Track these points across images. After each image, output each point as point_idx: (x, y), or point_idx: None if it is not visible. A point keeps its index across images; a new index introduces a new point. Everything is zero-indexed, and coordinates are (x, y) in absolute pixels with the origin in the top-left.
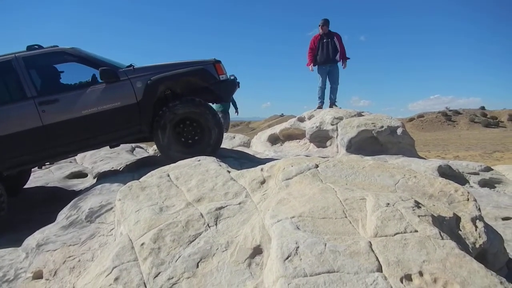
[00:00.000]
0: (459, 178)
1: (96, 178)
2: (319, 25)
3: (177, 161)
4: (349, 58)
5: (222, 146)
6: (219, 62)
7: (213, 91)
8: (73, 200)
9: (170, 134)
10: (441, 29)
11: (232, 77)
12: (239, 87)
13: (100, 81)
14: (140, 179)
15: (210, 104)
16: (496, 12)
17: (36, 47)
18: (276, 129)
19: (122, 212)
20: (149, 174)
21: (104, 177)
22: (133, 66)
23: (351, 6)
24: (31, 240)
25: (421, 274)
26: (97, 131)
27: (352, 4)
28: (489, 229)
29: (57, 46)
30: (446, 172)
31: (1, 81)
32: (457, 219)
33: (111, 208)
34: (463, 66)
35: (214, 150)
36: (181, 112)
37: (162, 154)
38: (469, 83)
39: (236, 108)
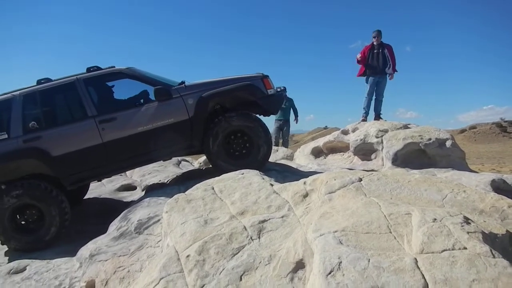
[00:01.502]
0: None
1: (144, 191)
2: (373, 36)
3: (223, 172)
4: (397, 71)
5: None
6: (267, 77)
7: (261, 105)
8: (123, 212)
9: (220, 143)
10: (493, 37)
11: (279, 90)
12: (286, 98)
13: (153, 99)
14: (186, 192)
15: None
16: None
17: (95, 68)
18: (320, 142)
19: (169, 224)
20: (194, 187)
21: (152, 190)
22: (185, 83)
23: (395, 17)
24: (85, 251)
25: None
26: (151, 146)
27: (396, 14)
28: None
29: (114, 67)
30: (501, 187)
31: (65, 102)
32: (510, 236)
33: (159, 220)
34: None
35: (261, 165)
36: (236, 124)
37: (210, 162)
38: None
39: (296, 116)
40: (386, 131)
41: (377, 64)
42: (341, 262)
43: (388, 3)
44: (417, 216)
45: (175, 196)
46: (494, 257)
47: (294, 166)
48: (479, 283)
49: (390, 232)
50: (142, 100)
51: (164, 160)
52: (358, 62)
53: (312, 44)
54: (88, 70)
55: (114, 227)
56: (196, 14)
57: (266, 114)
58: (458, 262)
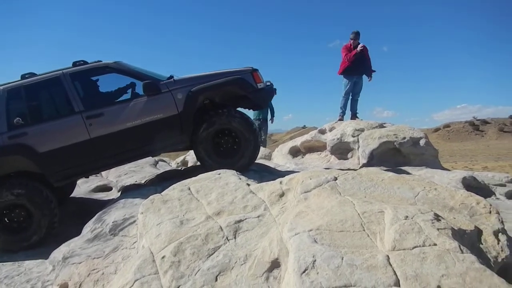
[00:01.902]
0: (485, 190)
1: (120, 192)
2: (351, 38)
3: (207, 171)
4: (375, 71)
5: None
6: (256, 70)
7: (251, 99)
8: (98, 214)
9: (208, 141)
10: (467, 37)
11: (268, 83)
12: (275, 93)
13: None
14: (162, 193)
15: (248, 111)
16: None
17: (82, 62)
18: (297, 141)
19: (144, 225)
20: (170, 187)
21: (127, 190)
22: (173, 77)
23: (373, 16)
24: (58, 253)
25: None
26: (140, 142)
27: (373, 14)
28: None
29: (101, 61)
30: (471, 184)
31: (50, 97)
32: (478, 232)
33: (134, 221)
34: (491, 74)
35: (248, 164)
36: (223, 122)
37: (197, 159)
38: (498, 91)
39: (272, 116)
40: (362, 130)
41: (356, 65)
42: (315, 261)
43: (367, 1)
44: (390, 214)
45: (151, 197)
46: (462, 252)
47: (271, 165)
48: (448, 278)
49: (364, 230)
50: (130, 95)
51: (153, 156)
52: (348, 58)
53: (290, 42)
54: (74, 64)
55: (88, 229)
56: (169, 12)
57: (256, 108)
58: (428, 258)
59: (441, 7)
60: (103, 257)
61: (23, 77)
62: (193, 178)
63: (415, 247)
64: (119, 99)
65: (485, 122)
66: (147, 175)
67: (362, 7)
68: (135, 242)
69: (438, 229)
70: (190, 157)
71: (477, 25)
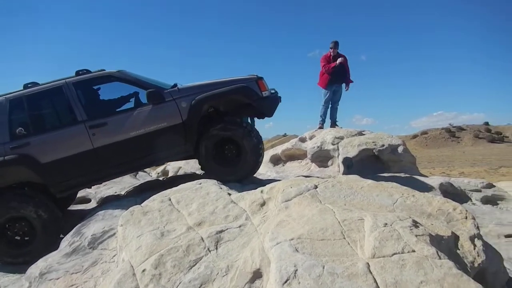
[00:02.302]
0: (461, 196)
1: (99, 204)
2: (330, 47)
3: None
4: (352, 81)
5: None
6: (261, 78)
7: (256, 107)
8: (76, 227)
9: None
10: (442, 45)
11: (273, 92)
12: (280, 101)
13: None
14: (142, 204)
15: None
16: (499, 25)
17: (85, 71)
18: (278, 149)
19: (124, 237)
20: (151, 198)
21: (107, 202)
22: (177, 85)
23: (351, 26)
24: (34, 269)
25: None
26: (144, 151)
27: (351, 23)
28: (488, 248)
29: (104, 70)
30: (448, 190)
31: (53, 107)
32: (455, 238)
33: (114, 234)
34: (466, 82)
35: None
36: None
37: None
38: (472, 98)
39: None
40: (341, 138)
41: (335, 74)
42: (296, 270)
43: (345, 11)
44: (369, 221)
45: (131, 209)
46: (440, 258)
47: None
48: (426, 285)
49: (344, 238)
50: (133, 104)
51: (157, 165)
52: (327, 70)
53: (269, 50)
54: (77, 73)
55: (66, 242)
56: (144, 19)
57: (261, 116)
58: (407, 265)
59: (418, 16)
60: (81, 271)
61: (25, 86)
62: (174, 189)
63: (394, 254)
64: (122, 108)
65: (461, 128)
66: (127, 186)
67: (341, 17)
68: (115, 255)
69: (416, 236)
70: (171, 167)
71: (453, 34)
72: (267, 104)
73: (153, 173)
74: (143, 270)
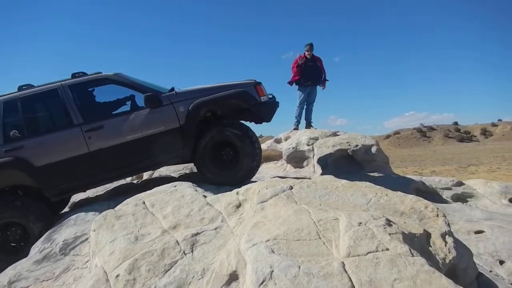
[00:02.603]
0: (433, 194)
1: (71, 208)
2: (306, 49)
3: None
4: (328, 80)
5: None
6: (259, 83)
7: (254, 112)
8: (46, 232)
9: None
10: (412, 45)
11: (271, 96)
12: (278, 106)
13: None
14: (115, 208)
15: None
16: (467, 27)
17: (81, 74)
18: None
19: (97, 243)
20: (124, 202)
21: (79, 206)
22: (175, 89)
23: (325, 28)
24: (3, 277)
25: None
26: (141, 156)
27: (325, 25)
28: (458, 244)
29: (101, 73)
30: (420, 188)
31: (48, 109)
32: (427, 235)
33: (86, 239)
34: (436, 82)
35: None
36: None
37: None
38: (442, 99)
39: None
40: (316, 138)
41: (310, 76)
42: (273, 271)
43: (319, 13)
44: (344, 220)
45: (104, 213)
46: (413, 256)
47: None
48: (400, 282)
49: (320, 238)
50: (130, 108)
51: (153, 170)
52: (297, 67)
53: (244, 52)
54: (73, 76)
55: (36, 249)
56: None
57: (259, 121)
58: (381, 263)
59: (388, 18)
60: (53, 279)
61: (20, 88)
62: (148, 192)
63: (368, 252)
64: (119, 112)
65: (431, 128)
66: (100, 189)
67: (315, 19)
68: (87, 261)
69: (390, 234)
70: None
71: (422, 36)
72: (265, 109)
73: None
74: (117, 276)
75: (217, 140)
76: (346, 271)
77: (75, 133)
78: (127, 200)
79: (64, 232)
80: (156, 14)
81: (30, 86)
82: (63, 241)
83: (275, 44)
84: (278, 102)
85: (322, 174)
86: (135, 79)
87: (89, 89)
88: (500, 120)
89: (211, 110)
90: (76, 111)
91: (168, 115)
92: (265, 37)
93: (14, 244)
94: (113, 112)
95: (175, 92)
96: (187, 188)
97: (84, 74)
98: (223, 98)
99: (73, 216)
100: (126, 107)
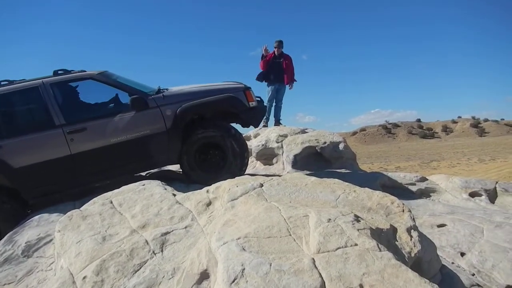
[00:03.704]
0: (398, 189)
1: (33, 208)
2: (275, 46)
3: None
4: (296, 81)
5: (169, 168)
6: (249, 88)
7: (242, 118)
8: (7, 234)
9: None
10: (376, 41)
11: (258, 99)
12: (266, 111)
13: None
14: (81, 208)
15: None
16: (427, 28)
17: (63, 71)
18: None
19: (62, 244)
20: (91, 201)
21: (43, 207)
22: (162, 90)
23: (292, 25)
24: None
25: (361, 287)
26: (126, 159)
27: (293, 23)
28: (423, 238)
29: (85, 71)
30: (386, 184)
31: (28, 108)
32: (394, 230)
33: (51, 240)
34: (399, 79)
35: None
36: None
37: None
38: (406, 96)
39: None
40: (285, 136)
41: (278, 73)
42: (244, 269)
43: (287, 9)
44: (314, 217)
45: (69, 213)
46: (380, 250)
47: None
48: (368, 276)
49: (290, 235)
50: (115, 109)
51: (137, 174)
52: (262, 59)
53: (211, 49)
54: (55, 73)
55: None
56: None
57: (247, 126)
58: (350, 258)
59: (355, 13)
60: (15, 282)
61: None
62: (116, 191)
63: (338, 248)
64: (103, 113)
65: (396, 125)
66: None
67: (283, 15)
68: (52, 263)
69: (358, 230)
70: None
71: (386, 32)
72: (254, 115)
73: None
74: (84, 277)
75: (204, 142)
76: (316, 267)
77: (57, 134)
78: (94, 199)
79: (26, 234)
80: (124, 10)
81: (9, 82)
82: (25, 243)
83: (243, 41)
84: (266, 107)
85: (291, 171)
86: (121, 78)
87: (72, 88)
88: (460, 117)
89: (199, 114)
90: (58, 111)
91: (154, 118)
92: (232, 33)
93: None
94: (97, 114)
95: (162, 95)
96: (156, 186)
97: (67, 71)
98: (211, 103)
99: (36, 217)
100: (111, 109)
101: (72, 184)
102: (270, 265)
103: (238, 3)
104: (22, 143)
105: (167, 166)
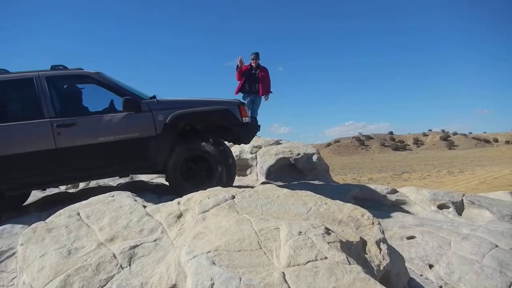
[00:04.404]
0: (369, 201)
1: None
2: (252, 58)
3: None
4: (272, 92)
5: (141, 177)
6: (243, 104)
7: (234, 132)
8: None
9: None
10: (350, 54)
11: (253, 119)
12: (259, 130)
13: (120, 109)
14: (47, 220)
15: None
16: (402, 40)
17: (61, 67)
18: None
19: (25, 258)
20: (57, 213)
21: (5, 218)
22: (156, 98)
23: (268, 36)
24: None
25: None
26: (111, 160)
27: (269, 34)
28: (392, 251)
29: (82, 69)
30: (358, 196)
31: (20, 97)
32: (363, 243)
33: (13, 254)
34: (372, 91)
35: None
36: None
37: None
38: (378, 108)
39: None
40: (259, 147)
41: (253, 84)
42: (213, 284)
43: (264, 21)
44: (285, 230)
45: (33, 225)
46: (350, 264)
47: None
48: None
49: (261, 248)
50: (107, 109)
51: (120, 177)
52: (237, 71)
53: (186, 58)
54: (53, 68)
55: None
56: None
57: (238, 142)
58: (320, 272)
59: (331, 25)
60: None
61: None
62: (84, 202)
63: (308, 261)
64: (94, 111)
65: (369, 137)
66: (30, 198)
67: (260, 26)
68: (14, 278)
69: (328, 243)
70: None
71: (360, 44)
72: (246, 131)
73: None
74: None
75: (191, 154)
76: (286, 281)
77: (44, 126)
78: (60, 211)
79: None
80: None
81: (5, 71)
82: None
83: (218, 51)
84: (259, 126)
85: (265, 182)
86: (116, 81)
87: (67, 84)
88: (430, 130)
89: (191, 123)
90: (49, 104)
91: (145, 122)
92: (207, 44)
93: None
94: (87, 111)
95: (156, 100)
96: (125, 198)
97: (65, 67)
98: (204, 113)
99: None
100: (102, 108)
101: (53, 179)
102: (240, 280)
103: (214, 14)
104: (7, 130)
105: (143, 175)
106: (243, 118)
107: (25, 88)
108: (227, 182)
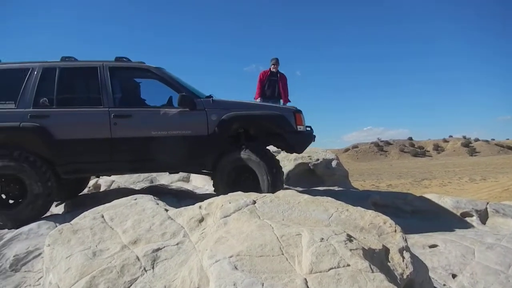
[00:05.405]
0: (390, 208)
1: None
2: (272, 63)
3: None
4: (290, 101)
5: (162, 182)
6: (300, 112)
7: (286, 140)
8: None
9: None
10: (369, 58)
11: (308, 128)
12: (314, 140)
13: (176, 106)
14: (72, 221)
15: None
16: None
17: (125, 59)
18: None
19: (51, 258)
20: (81, 215)
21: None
22: (212, 97)
23: (287, 41)
24: None
25: None
26: (161, 154)
27: (287, 38)
28: (415, 259)
29: (144, 63)
30: (378, 202)
31: (83, 86)
32: (386, 251)
33: (40, 254)
34: (392, 96)
35: None
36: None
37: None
38: (397, 114)
39: None
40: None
41: (272, 90)
42: None
43: (282, 26)
44: (306, 236)
45: (59, 227)
46: (373, 271)
47: (190, 188)
48: None
49: (283, 254)
50: (163, 104)
51: (170, 173)
52: (259, 82)
53: (205, 63)
54: (117, 59)
55: None
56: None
57: (291, 150)
58: (343, 279)
59: (350, 30)
60: None
61: (63, 59)
62: (107, 205)
63: (330, 268)
64: (150, 105)
65: (388, 143)
66: (55, 201)
67: (278, 32)
68: (40, 278)
69: (351, 250)
70: (103, 180)
71: (384, 51)
72: (299, 139)
73: None
74: None
75: (237, 165)
76: None
77: (102, 115)
78: (85, 213)
79: (15, 247)
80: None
81: (74, 59)
82: (14, 257)
83: (237, 56)
84: (314, 136)
85: (284, 188)
86: (176, 77)
87: (128, 76)
88: (451, 136)
89: (244, 127)
90: (110, 94)
91: (198, 120)
92: (227, 48)
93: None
94: (144, 104)
95: (212, 100)
96: (148, 201)
97: (128, 60)
98: (258, 117)
99: (25, 229)
100: (159, 102)
101: (105, 167)
102: (262, 285)
103: (232, 19)
104: (68, 117)
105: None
106: (298, 126)
107: (89, 77)
108: (273, 191)
